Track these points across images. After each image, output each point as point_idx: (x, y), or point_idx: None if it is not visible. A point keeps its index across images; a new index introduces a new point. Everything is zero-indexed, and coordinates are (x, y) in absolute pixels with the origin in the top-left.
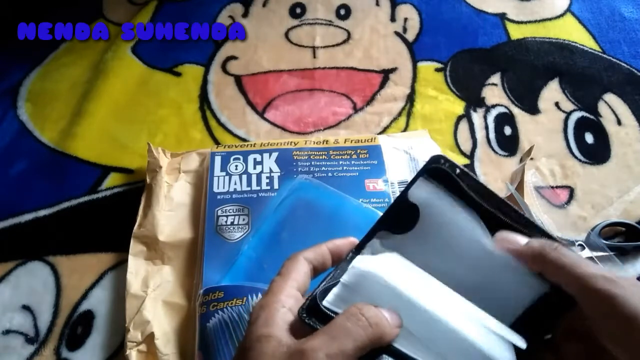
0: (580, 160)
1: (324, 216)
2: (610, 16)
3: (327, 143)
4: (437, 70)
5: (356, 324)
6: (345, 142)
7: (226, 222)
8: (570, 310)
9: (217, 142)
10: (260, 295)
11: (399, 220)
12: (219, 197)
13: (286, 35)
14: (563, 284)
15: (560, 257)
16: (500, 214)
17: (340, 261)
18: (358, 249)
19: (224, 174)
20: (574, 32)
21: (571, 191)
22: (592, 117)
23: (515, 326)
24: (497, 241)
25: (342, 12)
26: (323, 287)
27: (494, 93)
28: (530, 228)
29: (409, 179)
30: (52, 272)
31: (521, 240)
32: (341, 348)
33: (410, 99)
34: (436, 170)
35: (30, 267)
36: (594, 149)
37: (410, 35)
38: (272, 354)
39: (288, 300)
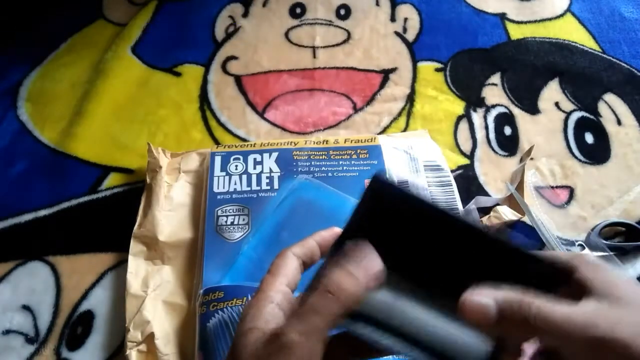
0: (580, 160)
1: (324, 216)
2: (610, 16)
3: (327, 143)
4: (437, 70)
5: (323, 298)
6: (345, 142)
7: (226, 222)
8: None
9: (217, 142)
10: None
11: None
12: (219, 197)
13: (286, 35)
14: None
15: (543, 321)
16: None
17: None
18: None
19: (224, 174)
20: (574, 32)
21: (571, 191)
22: (592, 117)
23: None
24: (460, 308)
25: (342, 12)
26: None
27: (494, 93)
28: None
29: (409, 179)
30: (52, 272)
31: (485, 300)
32: (312, 324)
33: (410, 99)
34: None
35: (30, 267)
36: (594, 149)
37: (410, 35)
38: (254, 343)
39: (276, 296)
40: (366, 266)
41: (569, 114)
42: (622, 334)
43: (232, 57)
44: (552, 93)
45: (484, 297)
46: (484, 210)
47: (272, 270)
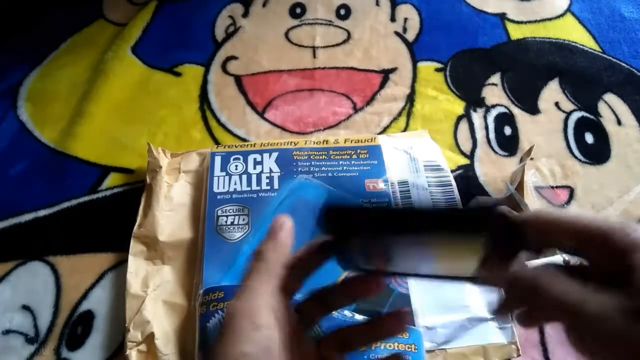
0: (580, 160)
1: None
2: (610, 16)
3: (327, 143)
4: (437, 70)
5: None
6: (345, 142)
7: (226, 222)
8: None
9: (217, 142)
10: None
11: None
12: (219, 197)
13: (286, 35)
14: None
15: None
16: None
17: None
18: None
19: (224, 174)
20: (574, 32)
21: (571, 191)
22: (592, 117)
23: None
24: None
25: (342, 12)
26: None
27: (494, 93)
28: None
29: (409, 179)
30: (52, 272)
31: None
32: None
33: (410, 99)
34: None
35: (30, 267)
36: (594, 149)
37: (410, 35)
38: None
39: (271, 300)
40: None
41: (569, 114)
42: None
43: (232, 57)
44: (552, 93)
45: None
46: None
47: (261, 267)
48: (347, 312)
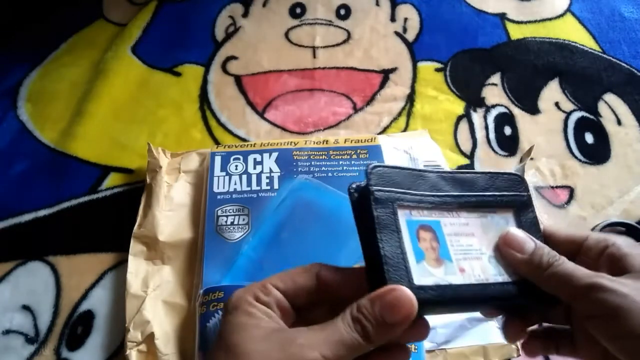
0: (580, 160)
1: (324, 216)
2: (610, 16)
3: (327, 143)
4: (437, 70)
5: (353, 332)
6: (345, 142)
7: (226, 222)
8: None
9: (217, 142)
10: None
11: None
12: (219, 197)
13: (286, 35)
14: (564, 299)
15: (557, 274)
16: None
17: None
18: None
19: (224, 174)
20: (574, 32)
21: (571, 191)
22: (592, 117)
23: None
24: (500, 239)
25: (342, 12)
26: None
27: (494, 93)
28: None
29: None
30: (52, 272)
31: (526, 245)
32: (335, 350)
33: (410, 99)
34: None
35: (30, 267)
36: (594, 149)
37: (410, 35)
38: (261, 342)
39: (263, 297)
40: (394, 307)
41: (569, 114)
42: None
43: (232, 57)
44: (552, 93)
45: (527, 236)
46: None
47: (283, 271)
48: None
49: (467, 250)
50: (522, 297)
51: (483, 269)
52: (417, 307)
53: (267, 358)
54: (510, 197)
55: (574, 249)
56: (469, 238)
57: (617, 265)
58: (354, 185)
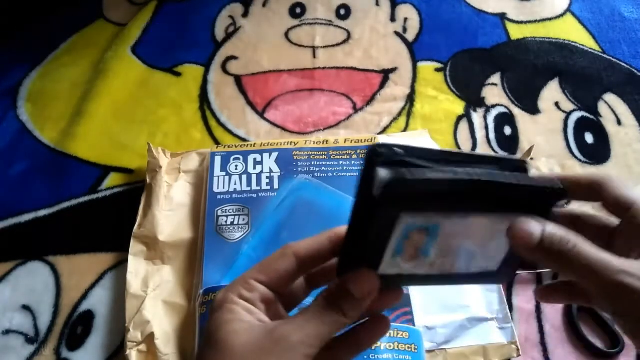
0: (580, 160)
1: (324, 216)
2: (610, 16)
3: (327, 143)
4: (437, 70)
5: (332, 312)
6: (345, 142)
7: (226, 222)
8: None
9: (217, 142)
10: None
11: None
12: (219, 197)
13: (286, 35)
14: (583, 284)
15: (578, 258)
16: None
17: None
18: None
19: (224, 174)
20: (574, 32)
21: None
22: (592, 117)
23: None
24: (509, 229)
25: (342, 12)
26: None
27: (494, 93)
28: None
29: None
30: (52, 272)
31: (534, 228)
32: (317, 332)
33: (410, 99)
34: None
35: (30, 267)
36: (594, 149)
37: (410, 35)
38: (247, 336)
39: (245, 294)
40: (363, 289)
41: (569, 114)
42: None
43: (232, 57)
44: (552, 93)
45: (533, 225)
46: None
47: (260, 262)
48: None
49: (453, 250)
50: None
51: (455, 264)
52: (379, 282)
53: (252, 348)
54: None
55: (619, 210)
56: (463, 240)
57: None
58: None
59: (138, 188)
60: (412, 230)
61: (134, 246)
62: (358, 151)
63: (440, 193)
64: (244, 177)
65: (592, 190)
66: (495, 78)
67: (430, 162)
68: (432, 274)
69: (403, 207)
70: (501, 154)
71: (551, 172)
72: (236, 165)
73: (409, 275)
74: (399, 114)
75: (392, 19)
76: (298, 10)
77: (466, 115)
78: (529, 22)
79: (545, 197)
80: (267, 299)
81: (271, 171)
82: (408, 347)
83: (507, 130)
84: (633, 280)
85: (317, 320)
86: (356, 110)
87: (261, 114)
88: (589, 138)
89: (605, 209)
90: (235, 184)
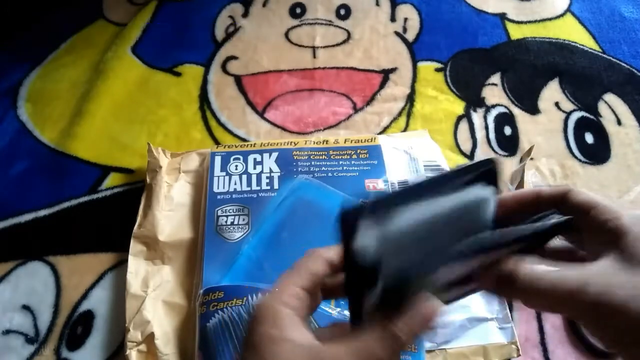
0: (580, 160)
1: (324, 216)
2: (610, 16)
3: (327, 143)
4: (437, 70)
5: (384, 345)
6: (345, 142)
7: (226, 222)
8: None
9: (217, 142)
10: (260, 296)
11: None
12: (219, 197)
13: (286, 35)
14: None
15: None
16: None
17: None
18: None
19: (224, 174)
20: (574, 32)
21: None
22: (592, 117)
23: None
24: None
25: (342, 12)
26: None
27: (494, 93)
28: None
29: (409, 179)
30: (52, 272)
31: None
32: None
33: (410, 99)
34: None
35: (30, 267)
36: (594, 149)
37: (410, 35)
38: (294, 351)
39: (291, 301)
40: (425, 318)
41: (569, 114)
42: (615, 297)
43: (232, 57)
44: (552, 93)
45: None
46: None
47: (293, 266)
48: (327, 308)
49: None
50: None
51: None
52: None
53: None
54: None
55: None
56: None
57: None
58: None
59: (138, 188)
60: None
61: (134, 246)
62: (358, 151)
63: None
64: (244, 177)
65: (557, 199)
66: (495, 78)
67: (398, 208)
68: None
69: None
70: (473, 161)
71: (509, 193)
72: (236, 165)
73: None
74: (399, 114)
75: (392, 19)
76: (298, 10)
77: (466, 115)
78: (529, 22)
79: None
80: (307, 305)
81: (271, 171)
82: (408, 347)
83: (507, 130)
84: (587, 297)
85: (369, 348)
86: (356, 110)
87: (261, 114)
88: (589, 138)
89: (569, 215)
90: (235, 184)
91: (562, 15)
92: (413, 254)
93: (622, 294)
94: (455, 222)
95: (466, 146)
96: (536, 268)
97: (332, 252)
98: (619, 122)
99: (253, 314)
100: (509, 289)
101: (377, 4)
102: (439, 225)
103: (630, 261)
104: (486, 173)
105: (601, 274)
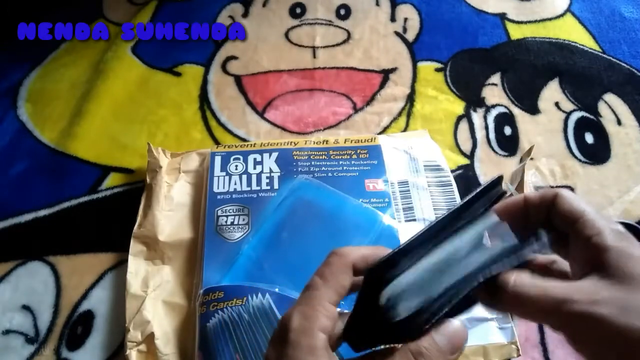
0: (580, 160)
1: (324, 216)
2: (610, 16)
3: (327, 143)
4: (437, 70)
5: None
6: (345, 142)
7: (226, 222)
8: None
9: (217, 142)
10: (260, 296)
11: None
12: (219, 197)
13: (286, 35)
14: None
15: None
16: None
17: None
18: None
19: (224, 174)
20: (574, 32)
21: (571, 191)
22: (592, 117)
23: None
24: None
25: (342, 12)
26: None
27: (494, 93)
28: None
29: (409, 179)
30: (52, 272)
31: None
32: None
33: (410, 99)
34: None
35: (30, 267)
36: (594, 149)
37: (410, 35)
38: None
39: (325, 322)
40: (454, 342)
41: (569, 114)
42: (599, 311)
43: (232, 57)
44: (552, 93)
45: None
46: None
47: (324, 273)
48: None
49: None
50: None
51: None
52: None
53: None
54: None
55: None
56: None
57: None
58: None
59: (138, 188)
60: None
61: (134, 246)
62: (358, 151)
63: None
64: (244, 177)
65: (545, 204)
66: (495, 78)
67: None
68: None
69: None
70: (479, 187)
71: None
72: (236, 165)
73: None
74: (399, 114)
75: (392, 19)
76: (298, 10)
77: (466, 115)
78: (529, 22)
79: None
80: (336, 319)
81: (271, 171)
82: None
83: (507, 130)
84: (573, 307)
85: None
86: (356, 110)
87: (261, 114)
88: (589, 138)
89: (557, 224)
90: (235, 184)
91: (562, 15)
92: (431, 292)
93: (605, 310)
94: (470, 256)
95: (466, 146)
96: (525, 278)
97: (359, 256)
98: (619, 122)
99: (286, 327)
100: (498, 299)
101: (377, 4)
102: (455, 262)
103: (613, 277)
104: (495, 195)
105: (586, 288)
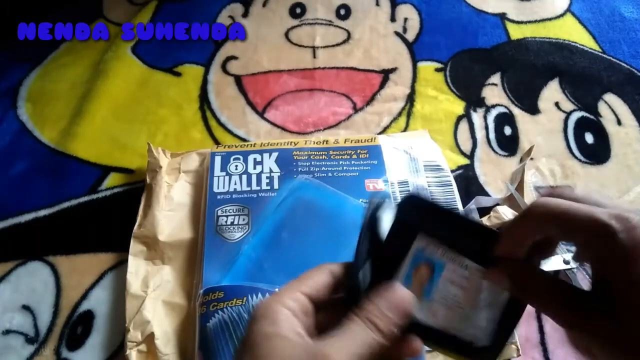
0: (580, 160)
1: (324, 216)
2: (610, 16)
3: (327, 143)
4: (437, 70)
5: (363, 329)
6: (345, 142)
7: (226, 222)
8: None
9: (217, 142)
10: (260, 296)
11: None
12: (219, 197)
13: (286, 35)
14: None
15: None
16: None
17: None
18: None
19: (224, 174)
20: (574, 32)
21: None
22: (592, 117)
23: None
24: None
25: (342, 12)
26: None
27: (494, 93)
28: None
29: (409, 179)
30: (52, 272)
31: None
32: (353, 351)
33: (410, 99)
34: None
35: (30, 267)
36: (594, 149)
37: (410, 35)
38: (289, 355)
39: (290, 303)
40: (398, 306)
41: (569, 114)
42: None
43: (232, 57)
44: (552, 93)
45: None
46: (484, 210)
47: (298, 276)
48: None
49: (451, 298)
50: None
51: (450, 320)
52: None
53: None
54: None
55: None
56: (459, 289)
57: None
58: (376, 200)
59: (138, 188)
60: (421, 261)
61: (134, 246)
62: (358, 151)
63: (449, 222)
64: (244, 177)
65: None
66: (495, 78)
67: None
68: (431, 325)
69: (419, 223)
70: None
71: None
72: (236, 165)
73: (415, 323)
74: (399, 114)
75: (392, 19)
76: (298, 10)
77: (466, 115)
78: (529, 22)
79: None
80: (307, 311)
81: (271, 171)
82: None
83: (507, 130)
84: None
85: (355, 340)
86: (356, 110)
87: (261, 114)
88: (589, 138)
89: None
90: (235, 184)
91: (562, 15)
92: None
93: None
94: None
95: (466, 146)
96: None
97: (338, 266)
98: (619, 122)
99: (252, 314)
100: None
101: (377, 4)
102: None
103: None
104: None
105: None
